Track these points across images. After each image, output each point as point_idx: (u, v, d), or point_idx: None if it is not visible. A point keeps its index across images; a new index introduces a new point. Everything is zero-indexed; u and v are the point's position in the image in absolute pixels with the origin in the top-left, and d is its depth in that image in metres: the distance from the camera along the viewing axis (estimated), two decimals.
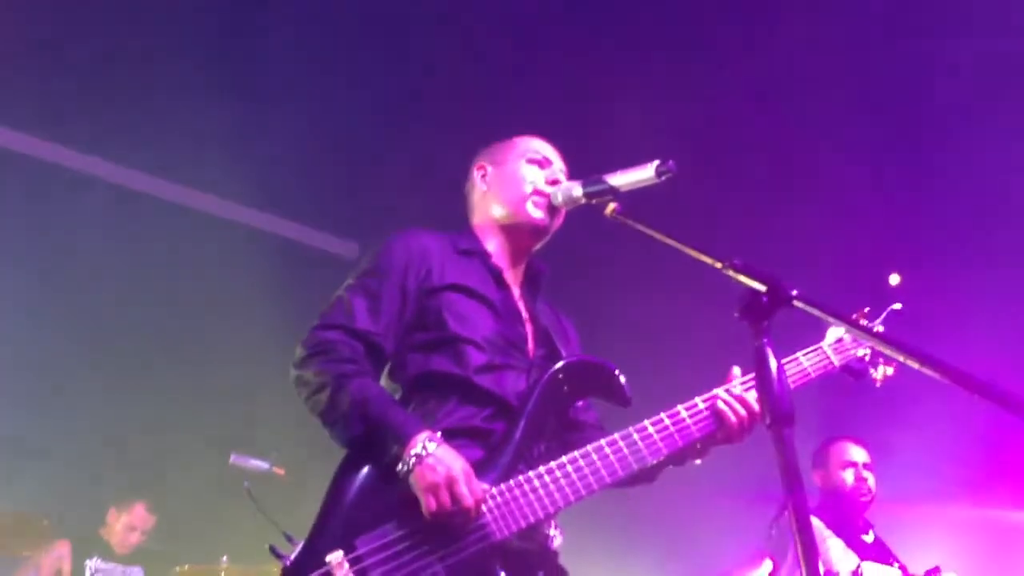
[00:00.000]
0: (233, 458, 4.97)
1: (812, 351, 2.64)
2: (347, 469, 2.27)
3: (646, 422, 2.39)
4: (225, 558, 4.88)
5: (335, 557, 2.12)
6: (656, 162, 2.32)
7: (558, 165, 2.70)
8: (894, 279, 6.43)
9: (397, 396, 2.43)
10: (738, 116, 5.67)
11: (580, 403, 2.53)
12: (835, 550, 4.25)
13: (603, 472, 2.31)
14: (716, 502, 6.33)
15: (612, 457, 2.33)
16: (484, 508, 2.21)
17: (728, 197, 5.85)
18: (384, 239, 2.56)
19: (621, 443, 2.35)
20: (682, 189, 2.41)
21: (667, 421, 2.39)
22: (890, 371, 2.75)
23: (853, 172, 5.82)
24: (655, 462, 2.37)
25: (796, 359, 2.59)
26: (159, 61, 5.25)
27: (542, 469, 2.29)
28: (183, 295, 5.88)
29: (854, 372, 2.72)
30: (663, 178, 2.31)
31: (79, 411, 5.69)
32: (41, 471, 5.47)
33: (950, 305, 5.89)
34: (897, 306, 2.82)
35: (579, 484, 2.29)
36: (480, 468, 2.27)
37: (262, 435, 5.46)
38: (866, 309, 2.80)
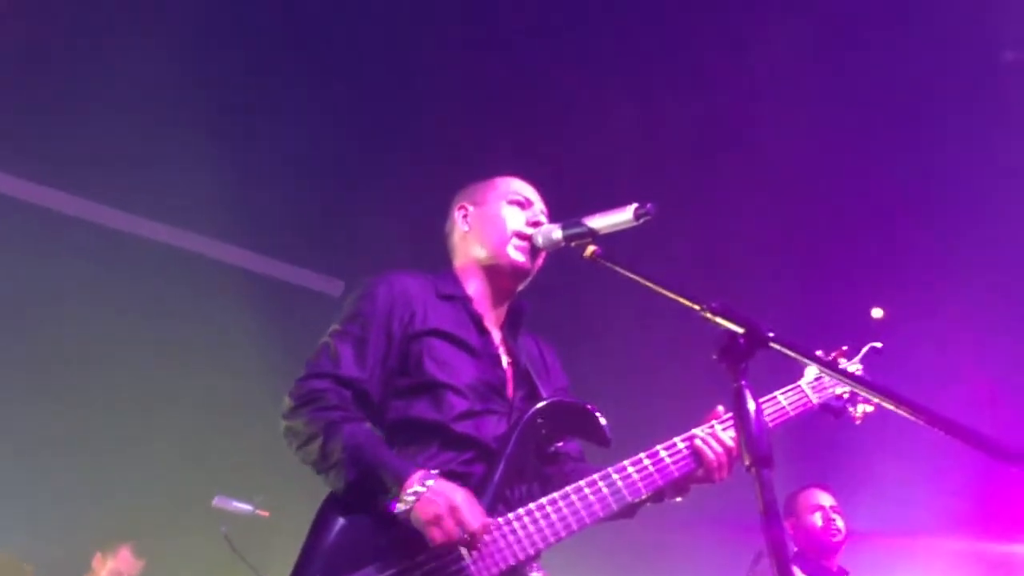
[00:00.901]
0: (216, 500, 4.95)
1: (790, 390, 2.67)
2: (327, 513, 2.27)
3: (626, 462, 2.41)
4: None
5: None
6: (634, 205, 2.35)
7: (539, 206, 2.73)
8: (876, 313, 6.52)
9: (387, 425, 2.45)
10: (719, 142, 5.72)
11: (560, 443, 2.55)
12: None
13: (583, 513, 2.33)
14: (698, 534, 6.33)
15: (592, 498, 2.34)
16: (465, 550, 2.21)
17: (702, 235, 5.89)
18: (365, 283, 2.58)
19: (601, 483, 2.36)
20: (655, 228, 2.44)
21: (646, 461, 2.41)
22: (870, 409, 2.78)
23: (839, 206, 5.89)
24: (635, 501, 2.39)
25: (775, 398, 2.62)
26: (138, 100, 5.25)
27: (522, 511, 2.30)
28: (165, 335, 5.86)
29: (833, 410, 2.76)
30: (641, 221, 2.35)
31: (59, 453, 5.63)
32: (20, 515, 5.40)
33: (931, 335, 5.95)
34: (877, 344, 2.85)
35: (559, 525, 2.30)
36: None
37: (246, 477, 5.43)
38: (844, 347, 2.83)
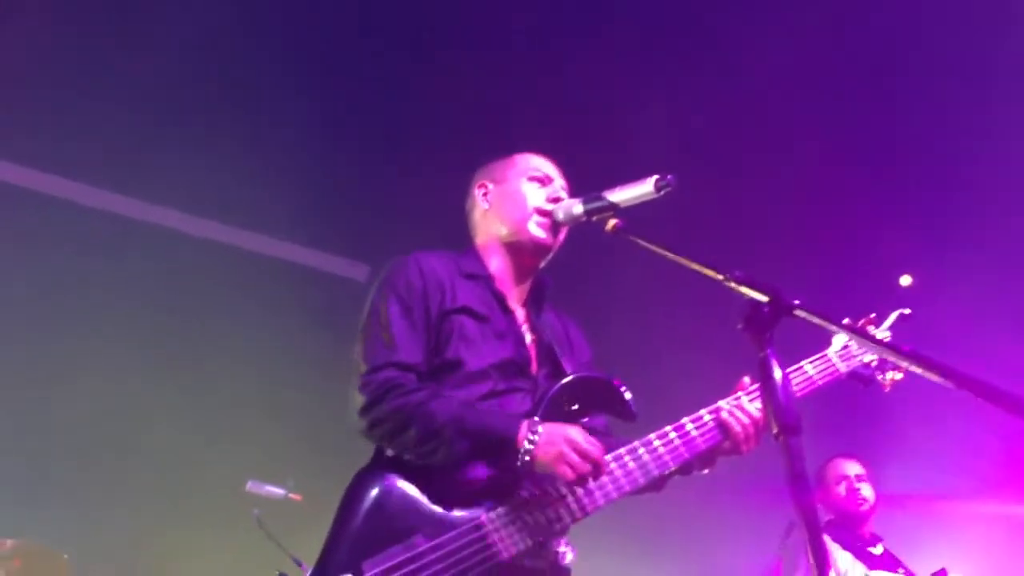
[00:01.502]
0: (249, 485, 4.98)
1: (818, 359, 2.66)
2: (354, 494, 2.30)
3: (652, 436, 2.42)
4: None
5: None
6: (655, 177, 2.34)
7: (559, 182, 2.73)
8: (905, 280, 6.48)
9: None
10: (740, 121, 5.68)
11: (585, 419, 2.56)
12: (843, 562, 4.37)
13: (610, 488, 2.35)
14: (728, 506, 6.33)
15: (619, 472, 2.36)
16: (491, 527, 2.24)
17: (731, 206, 5.86)
18: (395, 264, 2.58)
19: (627, 457, 2.38)
20: (683, 199, 2.43)
21: (673, 434, 2.43)
22: (899, 376, 2.76)
23: (854, 174, 5.84)
24: (662, 474, 2.40)
25: (801, 368, 2.62)
26: (155, 88, 5.26)
27: (548, 487, 2.31)
28: (191, 324, 5.89)
29: (862, 378, 2.74)
30: (662, 192, 2.34)
31: (88, 442, 5.69)
32: (50, 505, 5.46)
33: (959, 304, 5.90)
34: (905, 311, 2.83)
35: (585, 501, 2.32)
36: (487, 489, 2.30)
37: (278, 461, 5.47)
38: (872, 315, 2.81)
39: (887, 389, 2.79)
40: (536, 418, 2.30)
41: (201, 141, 5.37)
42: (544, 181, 2.71)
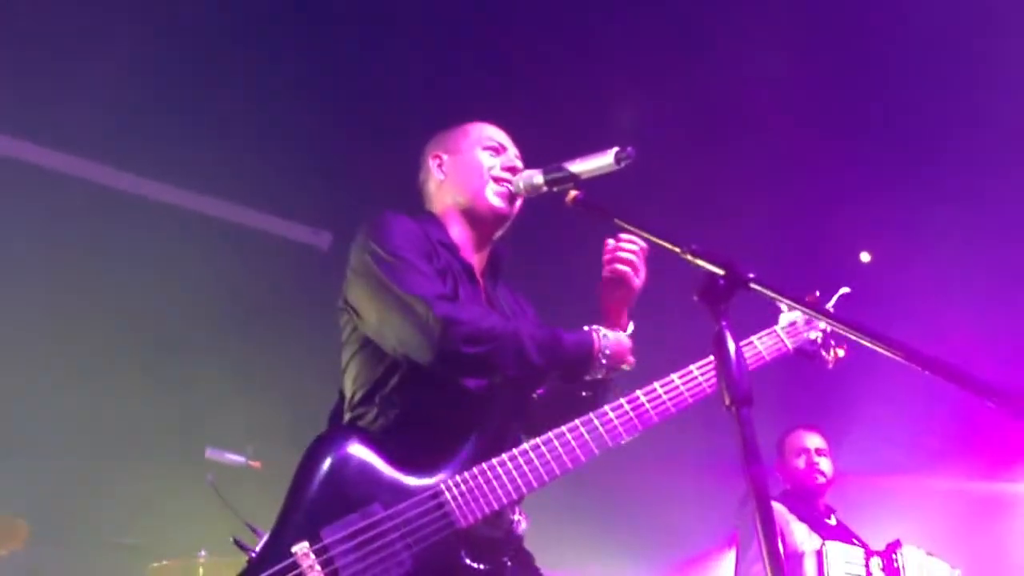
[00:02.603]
0: (208, 452, 4.97)
1: (766, 334, 2.70)
2: (309, 461, 2.27)
3: (606, 407, 2.43)
4: (203, 552, 4.87)
5: (300, 548, 2.14)
6: (615, 149, 2.34)
7: (513, 151, 2.73)
8: (865, 256, 6.52)
9: (379, 372, 2.45)
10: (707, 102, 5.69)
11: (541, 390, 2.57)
12: (799, 533, 4.42)
13: (565, 458, 2.35)
14: (685, 477, 6.41)
15: (573, 443, 2.37)
16: (448, 496, 2.25)
17: (694, 180, 5.88)
18: (385, 216, 2.53)
19: (582, 428, 2.39)
20: (646, 172, 2.43)
21: (627, 406, 2.44)
22: (841, 353, 2.83)
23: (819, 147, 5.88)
24: (615, 446, 2.42)
25: (751, 343, 2.65)
26: (114, 50, 5.15)
27: (505, 456, 2.32)
28: (153, 289, 5.82)
29: (807, 354, 2.79)
30: (622, 164, 2.34)
31: (49, 404, 5.63)
32: (8, 466, 5.41)
33: (919, 280, 5.98)
34: (846, 289, 2.87)
35: (542, 470, 2.32)
36: (444, 457, 2.31)
37: (237, 427, 5.45)
38: (817, 293, 2.85)
39: (830, 366, 2.84)
40: (594, 327, 2.50)
41: (165, 105, 5.29)
42: (498, 150, 2.70)
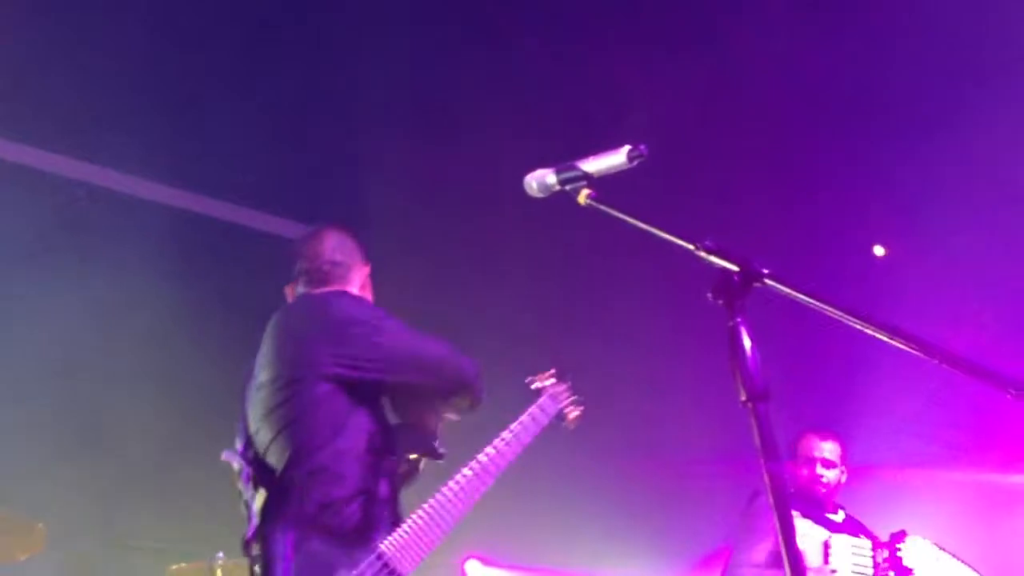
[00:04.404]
0: (225, 455, 4.97)
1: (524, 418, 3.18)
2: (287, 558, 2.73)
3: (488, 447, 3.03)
4: (221, 554, 4.89)
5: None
6: (627, 147, 2.34)
7: None
8: (879, 250, 6.49)
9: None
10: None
11: None
12: (804, 528, 4.37)
13: (464, 496, 2.88)
14: (702, 478, 6.40)
15: (465, 483, 2.91)
16: (389, 554, 2.70)
17: (704, 176, 5.88)
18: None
19: (469, 469, 2.94)
20: (655, 169, 2.43)
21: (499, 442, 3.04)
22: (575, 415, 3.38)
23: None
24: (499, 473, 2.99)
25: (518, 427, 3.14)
26: (79, 37, 5.11)
27: (420, 510, 2.83)
28: (162, 288, 5.82)
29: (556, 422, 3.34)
30: (635, 163, 2.33)
31: (68, 403, 5.66)
32: (24, 467, 5.43)
33: (932, 274, 5.96)
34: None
35: (449, 517, 2.84)
36: (378, 523, 2.78)
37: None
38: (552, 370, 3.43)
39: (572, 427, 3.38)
40: None
41: (128, 92, 5.26)
42: None
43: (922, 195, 5.86)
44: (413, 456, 2.99)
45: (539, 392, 3.29)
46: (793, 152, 5.96)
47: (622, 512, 6.55)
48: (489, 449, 3.01)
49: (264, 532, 2.74)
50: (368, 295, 3.22)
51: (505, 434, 3.07)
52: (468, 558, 7.18)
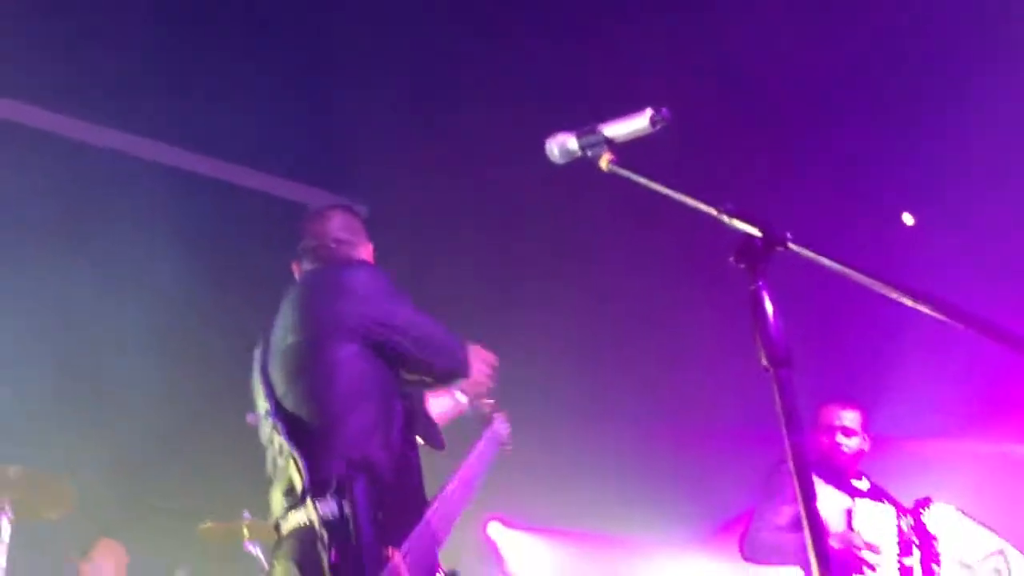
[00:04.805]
0: (249, 417, 5.03)
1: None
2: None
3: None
4: (246, 513, 4.96)
5: None
6: (650, 110, 2.31)
7: None
8: (908, 219, 6.41)
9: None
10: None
11: None
12: (827, 495, 4.36)
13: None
14: (724, 443, 6.40)
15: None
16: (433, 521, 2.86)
17: (727, 139, 5.82)
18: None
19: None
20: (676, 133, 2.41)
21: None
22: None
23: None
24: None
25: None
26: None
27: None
28: (190, 258, 5.87)
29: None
30: (657, 127, 2.30)
31: (94, 370, 5.73)
32: (54, 432, 5.52)
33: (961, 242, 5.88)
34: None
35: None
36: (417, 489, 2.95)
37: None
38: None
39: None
40: None
41: (165, 63, 5.27)
42: None
43: (952, 161, 5.77)
44: (421, 441, 3.08)
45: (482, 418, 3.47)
46: (819, 119, 5.88)
47: (643, 476, 6.57)
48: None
49: (317, 486, 2.77)
50: None
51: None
52: (490, 520, 7.24)
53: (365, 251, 3.34)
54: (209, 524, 5.04)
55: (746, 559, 4.50)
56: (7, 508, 4.81)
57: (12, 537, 4.79)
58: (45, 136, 5.69)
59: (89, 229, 5.64)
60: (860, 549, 4.18)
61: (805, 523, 1.71)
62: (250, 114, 5.54)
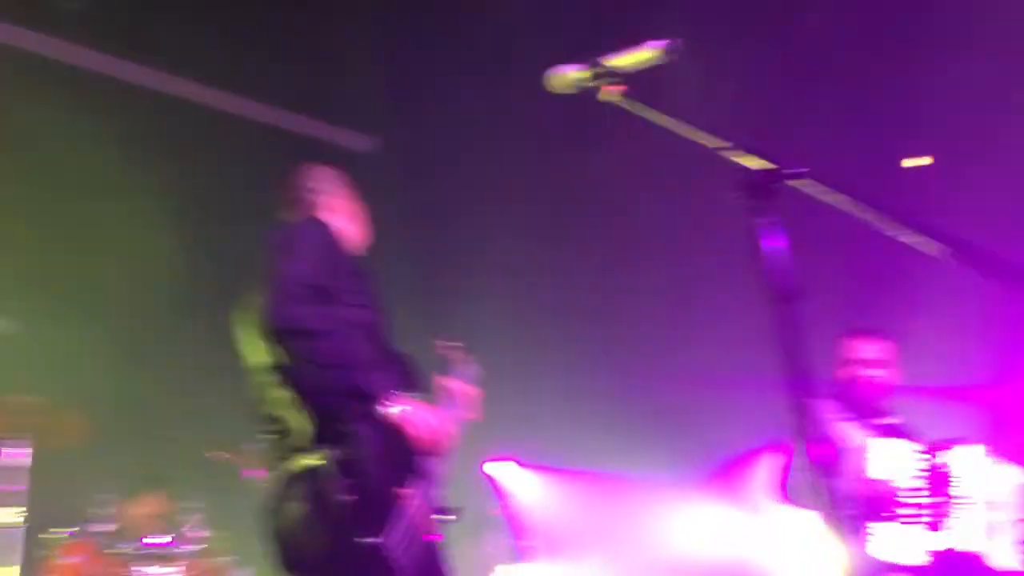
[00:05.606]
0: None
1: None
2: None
3: None
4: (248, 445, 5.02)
5: None
6: (661, 40, 2.25)
7: None
8: (924, 161, 6.25)
9: None
10: None
11: None
12: (846, 430, 4.27)
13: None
14: (727, 387, 6.40)
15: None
16: None
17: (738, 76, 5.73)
18: None
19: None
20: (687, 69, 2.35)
21: None
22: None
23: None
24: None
25: None
26: None
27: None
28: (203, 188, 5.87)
29: None
30: (669, 57, 2.25)
31: (106, 301, 5.81)
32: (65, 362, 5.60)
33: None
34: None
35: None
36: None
37: None
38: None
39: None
40: None
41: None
42: None
43: (971, 101, 5.67)
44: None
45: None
46: (838, 58, 5.77)
47: (650, 416, 6.60)
48: None
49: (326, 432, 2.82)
50: (356, 224, 3.40)
51: None
52: (500, 460, 7.29)
53: (341, 201, 3.41)
54: (215, 451, 5.13)
55: (780, 503, 4.27)
56: (28, 437, 5.04)
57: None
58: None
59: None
60: (878, 490, 4.08)
61: (807, 464, 1.70)
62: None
